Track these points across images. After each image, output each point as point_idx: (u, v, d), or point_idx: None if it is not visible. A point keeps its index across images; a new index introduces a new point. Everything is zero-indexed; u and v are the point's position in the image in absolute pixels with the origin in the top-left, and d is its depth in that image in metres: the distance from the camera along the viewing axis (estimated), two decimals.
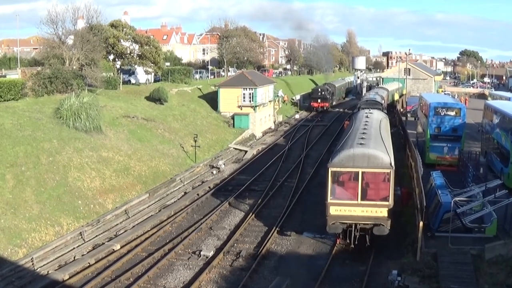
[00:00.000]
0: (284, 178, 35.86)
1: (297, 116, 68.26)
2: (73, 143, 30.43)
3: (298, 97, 77.31)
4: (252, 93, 52.26)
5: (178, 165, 37.19)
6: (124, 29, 51.34)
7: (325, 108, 69.82)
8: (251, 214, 28.17)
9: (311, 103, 70.87)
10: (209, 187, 34.48)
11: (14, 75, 40.40)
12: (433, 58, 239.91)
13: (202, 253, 23.05)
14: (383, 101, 49.23)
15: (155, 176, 33.53)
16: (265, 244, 23.59)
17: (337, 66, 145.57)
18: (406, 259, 19.98)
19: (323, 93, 70.08)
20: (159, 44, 56.48)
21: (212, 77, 73.71)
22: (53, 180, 26.56)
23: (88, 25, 45.95)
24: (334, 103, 76.02)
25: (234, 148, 46.24)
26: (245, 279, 20.09)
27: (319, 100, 69.63)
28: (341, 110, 73.56)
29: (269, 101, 58.09)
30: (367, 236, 21.46)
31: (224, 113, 52.49)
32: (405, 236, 22.86)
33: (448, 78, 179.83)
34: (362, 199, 21.18)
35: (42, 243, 22.71)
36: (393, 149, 25.64)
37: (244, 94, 52.29)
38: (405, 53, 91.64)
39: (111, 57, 50.97)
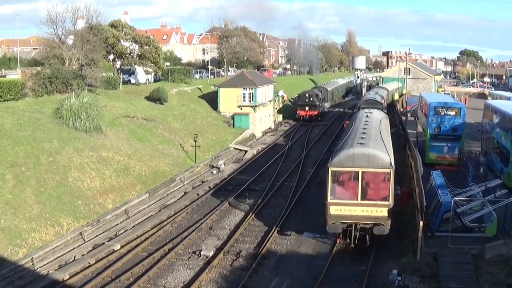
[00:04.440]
0: (284, 178, 35.86)
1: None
2: (73, 143, 30.43)
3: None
4: (252, 93, 52.30)
5: (178, 165, 37.19)
6: (124, 29, 51.35)
7: (313, 117, 60.45)
8: (251, 214, 28.16)
9: (297, 111, 61.52)
10: (209, 187, 34.48)
11: (14, 75, 40.36)
12: (433, 57, 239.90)
13: (202, 253, 23.04)
14: (383, 101, 49.22)
15: (155, 176, 33.53)
16: (265, 244, 23.59)
17: (337, 66, 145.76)
18: (406, 258, 20.00)
19: (311, 99, 60.44)
20: (159, 44, 56.49)
21: (212, 77, 73.67)
22: (53, 180, 26.56)
23: (88, 25, 45.92)
24: (325, 110, 67.83)
25: (234, 148, 46.24)
26: (245, 279, 20.08)
27: (306, 108, 60.31)
28: (341, 110, 73.42)
29: (269, 101, 58.12)
30: (367, 235, 21.46)
31: (224, 113, 52.51)
32: (405, 235, 22.87)
33: (448, 77, 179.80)
34: (362, 198, 21.17)
35: (42, 243, 22.71)
36: (393, 148, 25.64)
37: (244, 94, 52.32)
38: (405, 53, 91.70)
39: (111, 57, 50.96)
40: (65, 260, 22.32)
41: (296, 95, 66.27)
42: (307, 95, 61.29)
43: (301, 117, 60.88)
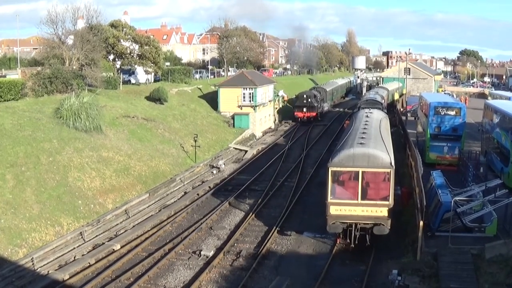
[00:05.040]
0: (284, 178, 35.85)
1: None
2: (73, 143, 30.43)
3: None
4: (252, 93, 52.32)
5: (178, 165, 37.18)
6: (124, 29, 51.35)
7: (312, 119, 59.33)
8: (251, 213, 28.16)
9: (295, 113, 60.24)
10: (209, 187, 34.48)
11: (14, 75, 40.38)
12: (433, 57, 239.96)
13: (202, 252, 23.04)
14: (383, 101, 49.23)
15: (155, 176, 33.53)
16: (265, 243, 23.58)
17: (337, 66, 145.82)
18: (406, 258, 20.00)
19: (309, 100, 59.28)
20: (159, 44, 56.48)
21: (212, 77, 73.70)
22: (53, 180, 26.56)
23: (88, 25, 45.94)
24: (325, 110, 66.76)
25: (234, 148, 46.24)
26: (245, 279, 20.09)
27: (304, 109, 59.12)
28: (341, 110, 73.36)
29: (269, 101, 58.12)
30: (367, 235, 21.46)
31: (224, 113, 52.52)
32: (405, 235, 22.87)
33: (448, 77, 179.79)
34: (362, 198, 21.17)
35: (42, 243, 22.71)
36: (393, 148, 25.64)
37: (244, 94, 52.34)
38: (405, 53, 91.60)
39: (111, 57, 50.97)
40: (65, 260, 22.32)
41: (294, 96, 65.57)
42: (305, 96, 60.12)
43: (299, 119, 59.87)
